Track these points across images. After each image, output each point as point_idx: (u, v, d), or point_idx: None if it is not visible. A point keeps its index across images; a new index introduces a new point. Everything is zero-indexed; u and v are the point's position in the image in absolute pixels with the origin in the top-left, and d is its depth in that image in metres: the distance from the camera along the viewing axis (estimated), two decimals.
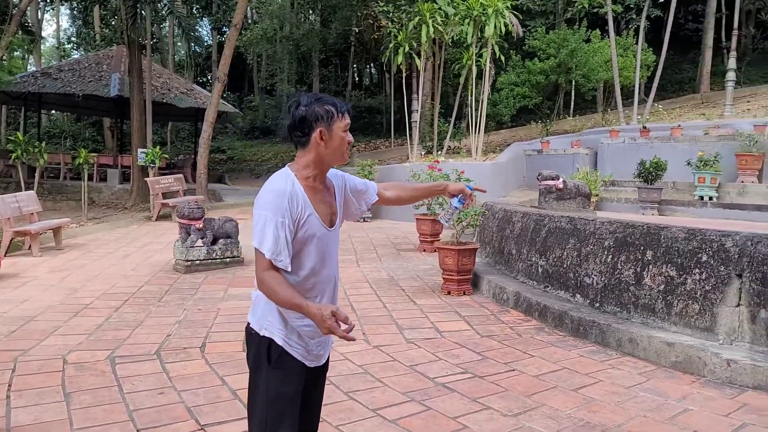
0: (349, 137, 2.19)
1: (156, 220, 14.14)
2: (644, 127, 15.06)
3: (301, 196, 2.11)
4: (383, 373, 4.47)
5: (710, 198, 11.86)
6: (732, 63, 17.30)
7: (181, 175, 16.06)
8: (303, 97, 2.16)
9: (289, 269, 2.10)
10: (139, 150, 16.21)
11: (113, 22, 26.06)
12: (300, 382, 2.18)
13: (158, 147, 16.19)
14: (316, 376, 2.32)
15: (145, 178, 15.34)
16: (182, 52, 39.39)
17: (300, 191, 2.12)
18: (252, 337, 2.19)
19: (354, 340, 2.03)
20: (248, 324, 2.23)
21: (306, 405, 2.30)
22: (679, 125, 14.63)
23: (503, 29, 14.57)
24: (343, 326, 1.96)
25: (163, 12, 23.58)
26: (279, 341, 2.15)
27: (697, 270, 4.89)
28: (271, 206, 2.06)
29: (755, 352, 4.44)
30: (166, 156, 17.64)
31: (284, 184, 2.10)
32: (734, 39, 17.84)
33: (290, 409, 2.15)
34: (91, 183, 16.84)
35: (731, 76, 17.16)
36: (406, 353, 4.97)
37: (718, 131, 13.58)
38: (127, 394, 3.94)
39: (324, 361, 2.33)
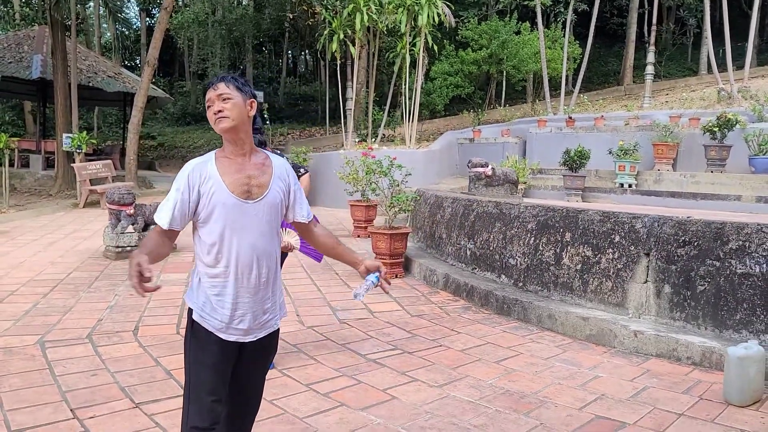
0: (216, 107, 2.21)
1: (83, 207, 13.73)
2: (570, 117, 15.67)
3: (208, 167, 2.22)
4: (316, 352, 4.62)
5: (629, 185, 12.50)
6: (651, 57, 18.18)
7: (109, 161, 15.61)
8: None
9: (165, 227, 2.21)
10: (65, 135, 15.64)
11: (34, 1, 24.84)
12: (219, 354, 2.24)
13: (85, 132, 15.64)
14: (252, 353, 2.34)
15: (72, 164, 14.83)
16: (108, 34, 37.90)
17: (210, 163, 2.23)
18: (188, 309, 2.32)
19: (144, 294, 1.97)
20: None
21: (237, 380, 2.35)
22: (602, 116, 15.30)
23: (436, 19, 14.83)
24: (147, 284, 1.96)
25: None
26: (194, 315, 2.26)
27: (610, 250, 5.26)
28: (177, 181, 2.24)
29: (659, 323, 4.84)
30: (94, 141, 17.03)
31: (196, 160, 2.25)
32: (653, 34, 18.73)
33: (210, 377, 2.22)
34: (12, 169, 16.09)
35: (650, 69, 18.05)
36: (339, 333, 5.13)
37: (638, 122, 14.30)
38: (59, 376, 3.94)
39: (255, 338, 2.31)
